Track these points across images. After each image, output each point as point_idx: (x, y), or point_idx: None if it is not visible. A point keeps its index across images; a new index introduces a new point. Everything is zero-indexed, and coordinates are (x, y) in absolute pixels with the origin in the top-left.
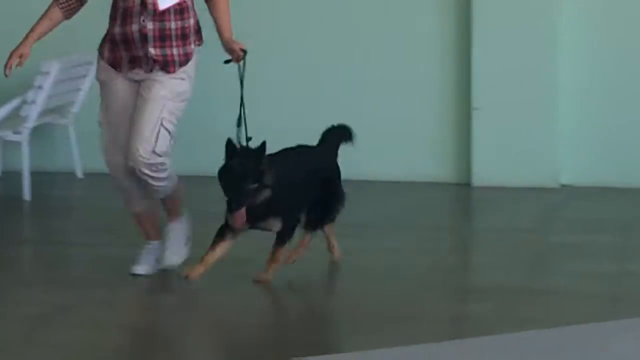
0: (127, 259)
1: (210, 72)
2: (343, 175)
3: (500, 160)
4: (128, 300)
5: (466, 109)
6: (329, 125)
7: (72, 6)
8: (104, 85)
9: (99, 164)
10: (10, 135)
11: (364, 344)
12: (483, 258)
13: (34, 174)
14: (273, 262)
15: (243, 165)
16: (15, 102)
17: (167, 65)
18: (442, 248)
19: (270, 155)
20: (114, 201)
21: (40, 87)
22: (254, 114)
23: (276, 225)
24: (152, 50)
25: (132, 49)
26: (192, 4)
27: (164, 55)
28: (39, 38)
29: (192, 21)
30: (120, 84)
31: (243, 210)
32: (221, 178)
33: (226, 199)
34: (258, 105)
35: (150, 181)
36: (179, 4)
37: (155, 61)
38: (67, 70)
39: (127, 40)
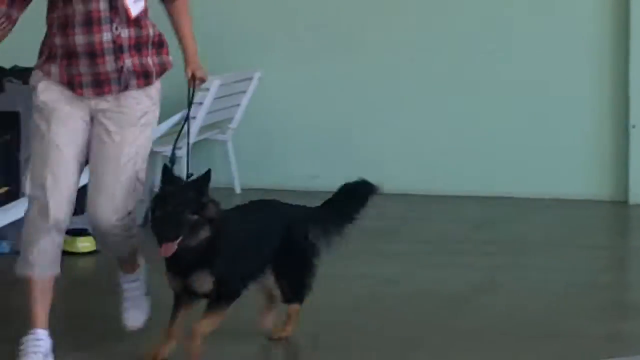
0: None
1: None
2: (506, 192)
3: None
4: None
5: (623, 126)
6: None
7: (2, 25)
8: (46, 108)
9: (257, 180)
10: (170, 151)
11: None
12: (639, 276)
13: None
14: (199, 333)
15: (182, 193)
16: (175, 118)
17: (147, 77)
18: (597, 266)
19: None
20: None
21: (200, 103)
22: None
23: (205, 284)
24: (129, 62)
25: (98, 64)
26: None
27: (142, 65)
28: None
29: (155, 29)
30: (73, 109)
31: (174, 243)
32: (155, 207)
33: (156, 231)
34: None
35: (122, 240)
36: (144, 10)
37: (133, 74)
38: (226, 87)
39: (94, 53)
